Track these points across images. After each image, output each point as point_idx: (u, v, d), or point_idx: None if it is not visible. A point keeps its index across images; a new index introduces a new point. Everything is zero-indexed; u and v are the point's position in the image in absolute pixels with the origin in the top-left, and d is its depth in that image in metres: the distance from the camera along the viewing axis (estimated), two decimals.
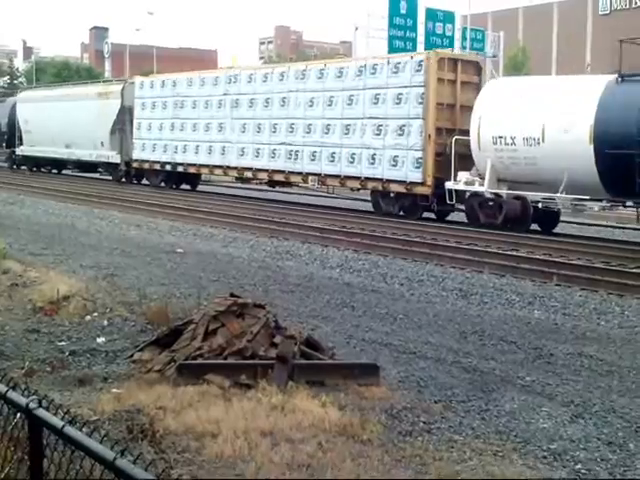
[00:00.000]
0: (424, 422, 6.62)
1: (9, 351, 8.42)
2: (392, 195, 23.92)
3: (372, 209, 25.12)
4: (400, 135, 23.35)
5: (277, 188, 29.84)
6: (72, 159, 39.38)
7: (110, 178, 37.24)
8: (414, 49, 34.44)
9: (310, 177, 26.28)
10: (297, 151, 26.49)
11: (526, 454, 6.08)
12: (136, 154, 34.24)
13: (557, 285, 13.91)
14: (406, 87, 23.33)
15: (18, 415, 3.00)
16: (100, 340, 8.98)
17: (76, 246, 16.73)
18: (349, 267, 15.38)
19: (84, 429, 2.67)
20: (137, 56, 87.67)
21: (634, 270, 14.85)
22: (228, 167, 29.69)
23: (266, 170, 28.00)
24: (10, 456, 3.29)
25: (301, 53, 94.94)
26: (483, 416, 6.91)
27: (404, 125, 23.25)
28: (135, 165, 34.69)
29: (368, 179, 24.45)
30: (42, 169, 44.11)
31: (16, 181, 36.07)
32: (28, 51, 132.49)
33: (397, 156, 23.40)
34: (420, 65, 23.17)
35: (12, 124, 44.47)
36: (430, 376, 8.03)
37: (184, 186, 33.76)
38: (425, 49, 33.75)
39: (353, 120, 24.78)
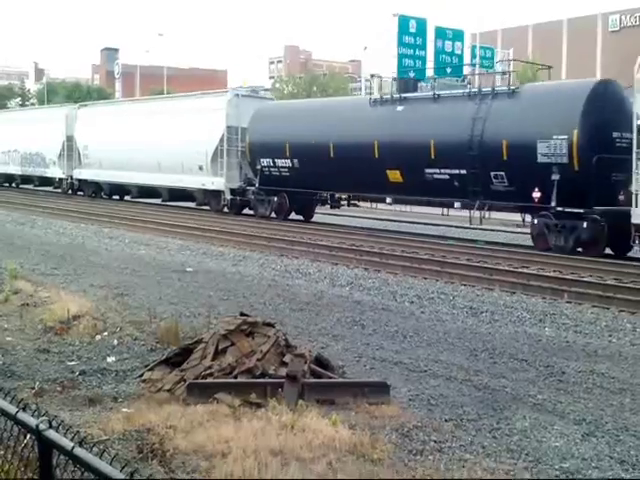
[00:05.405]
0: (435, 441, 6.59)
1: (20, 371, 8.45)
2: None
3: None
4: None
5: None
6: None
7: None
8: (424, 67, 34.52)
9: None
10: None
11: (538, 473, 6.03)
12: None
13: (568, 302, 13.85)
14: None
15: (28, 436, 3.00)
16: (110, 359, 8.99)
17: (86, 265, 16.80)
18: (359, 285, 15.37)
19: (94, 450, 2.67)
20: (147, 77, 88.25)
21: None
22: None
23: None
24: (20, 477, 3.29)
25: (310, 72, 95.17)
26: (494, 434, 6.87)
27: None
28: None
29: None
30: None
31: None
32: (39, 73, 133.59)
33: None
34: None
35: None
36: (441, 394, 8.00)
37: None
38: (434, 67, 33.82)
39: None
